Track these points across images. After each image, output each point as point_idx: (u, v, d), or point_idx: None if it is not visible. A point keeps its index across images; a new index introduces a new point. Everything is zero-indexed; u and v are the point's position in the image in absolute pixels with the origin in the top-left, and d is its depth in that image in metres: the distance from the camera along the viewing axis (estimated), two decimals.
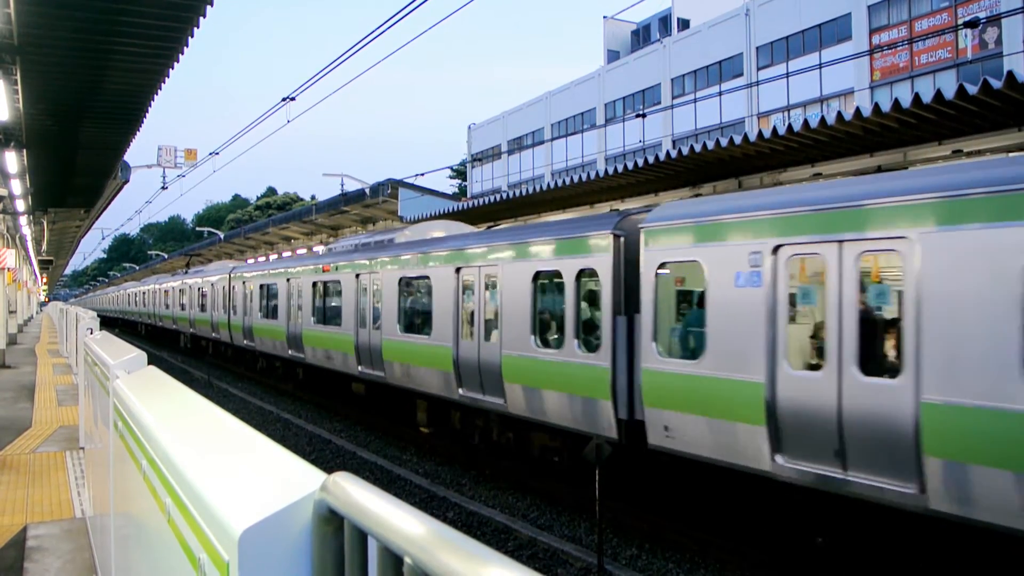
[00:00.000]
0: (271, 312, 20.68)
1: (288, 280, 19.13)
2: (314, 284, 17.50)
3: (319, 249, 34.61)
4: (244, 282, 23.27)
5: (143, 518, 2.52)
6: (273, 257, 37.43)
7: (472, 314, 11.67)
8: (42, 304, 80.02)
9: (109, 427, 3.98)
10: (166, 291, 37.38)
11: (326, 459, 12.64)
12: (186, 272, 36.45)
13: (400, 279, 13.61)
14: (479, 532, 8.88)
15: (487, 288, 11.28)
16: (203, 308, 28.88)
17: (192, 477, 1.69)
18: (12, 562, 5.53)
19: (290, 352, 18.93)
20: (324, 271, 16.97)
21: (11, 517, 6.70)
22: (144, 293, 45.45)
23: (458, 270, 11.84)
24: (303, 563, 1.33)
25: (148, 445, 2.39)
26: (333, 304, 16.82)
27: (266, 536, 1.30)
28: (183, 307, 32.93)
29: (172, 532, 1.84)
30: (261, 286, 21.53)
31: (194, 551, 1.59)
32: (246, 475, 1.65)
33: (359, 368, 15.03)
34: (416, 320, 13.57)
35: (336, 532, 1.30)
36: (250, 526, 1.29)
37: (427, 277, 12.69)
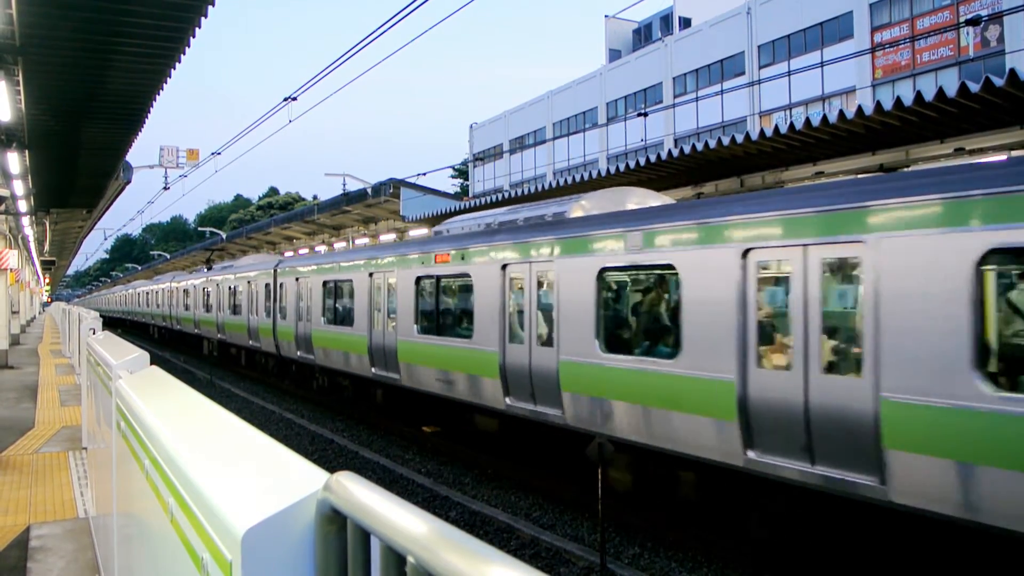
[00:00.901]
0: (343, 317, 16.23)
1: (371, 275, 14.68)
2: (418, 280, 13.00)
3: (362, 242, 30.59)
4: (298, 279, 18.51)
5: (146, 518, 2.52)
6: (339, 246, 32.32)
7: (780, 328, 7.07)
8: (44, 305, 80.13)
9: (112, 427, 3.98)
10: (186, 290, 32.35)
11: (328, 459, 12.65)
12: (209, 268, 32.15)
13: (601, 271, 9.00)
14: (481, 531, 8.88)
15: (831, 279, 6.68)
16: (236, 310, 24.15)
17: (195, 477, 1.69)
18: (15, 562, 5.54)
19: (374, 371, 14.42)
20: (438, 262, 12.44)
21: (14, 517, 6.71)
22: (158, 292, 40.13)
23: (746, 253, 7.16)
24: (306, 562, 1.33)
25: (151, 445, 2.40)
26: (454, 308, 12.78)
27: (269, 535, 1.30)
28: (208, 308, 27.92)
29: (175, 532, 1.84)
30: (326, 283, 16.95)
31: (197, 551, 1.59)
32: (249, 475, 1.65)
33: (507, 400, 10.59)
34: (633, 334, 9.24)
35: (339, 531, 1.30)
36: (253, 525, 1.29)
37: (670, 268, 8.10)
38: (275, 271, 20.40)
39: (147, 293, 44.54)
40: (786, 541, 7.80)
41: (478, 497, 10.30)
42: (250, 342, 22.60)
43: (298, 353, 18.48)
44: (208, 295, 28.06)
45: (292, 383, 20.61)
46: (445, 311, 12.92)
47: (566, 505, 9.76)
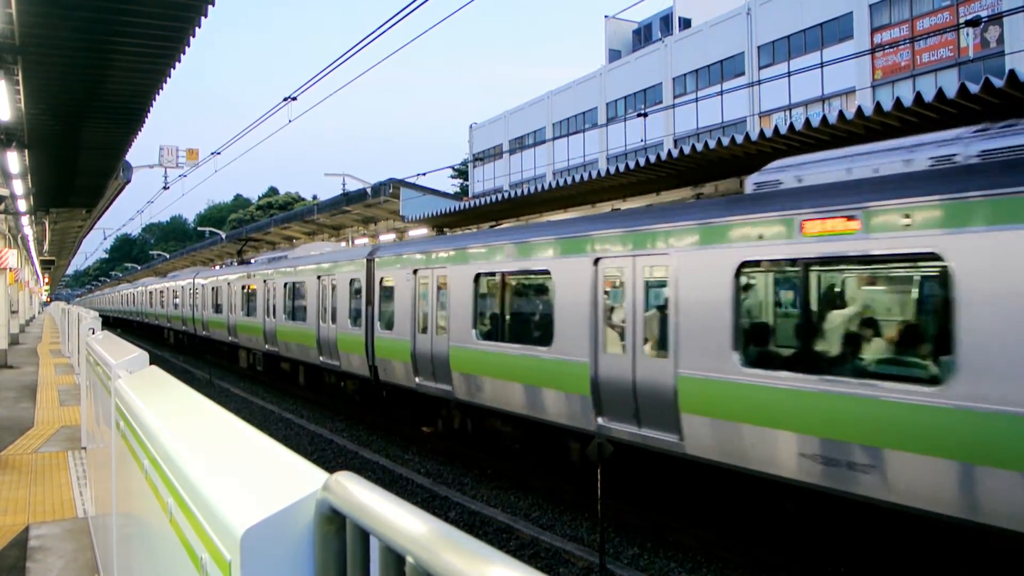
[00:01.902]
0: (523, 331, 10.97)
1: (599, 262, 9.08)
2: (742, 270, 7.42)
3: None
4: (419, 271, 13.09)
5: (145, 518, 2.52)
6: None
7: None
8: (44, 304, 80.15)
9: (111, 427, 3.98)
10: (216, 288, 26.67)
11: (328, 459, 12.65)
12: (243, 261, 27.59)
13: None
14: (481, 531, 8.88)
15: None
16: (296, 314, 18.61)
17: (194, 477, 1.69)
18: (14, 562, 5.54)
19: (603, 421, 8.90)
20: (813, 233, 6.76)
21: (13, 517, 6.71)
22: (177, 291, 33.93)
23: None
24: (305, 562, 1.33)
25: (150, 445, 2.39)
26: (874, 320, 6.88)
27: (268, 535, 1.30)
28: (250, 311, 22.33)
29: (174, 532, 1.84)
30: (483, 278, 11.45)
31: (196, 550, 1.59)
32: (248, 475, 1.65)
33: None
34: None
35: (338, 531, 1.30)
36: (252, 525, 1.28)
37: None
38: (370, 262, 14.91)
39: (162, 292, 38.38)
40: (786, 541, 7.81)
41: (477, 497, 10.30)
42: (320, 358, 16.93)
43: (417, 380, 12.96)
44: (250, 294, 22.34)
45: (389, 418, 15.06)
46: (840, 328, 6.96)
47: (566, 505, 9.76)
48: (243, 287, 23.20)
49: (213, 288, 27.07)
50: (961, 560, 6.41)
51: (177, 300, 33.83)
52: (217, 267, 33.89)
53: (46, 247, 38.34)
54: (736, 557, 7.78)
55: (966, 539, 6.16)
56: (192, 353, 32.64)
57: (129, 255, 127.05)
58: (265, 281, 20.93)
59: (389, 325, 14.02)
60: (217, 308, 26.42)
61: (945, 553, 6.51)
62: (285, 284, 19.28)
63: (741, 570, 7.57)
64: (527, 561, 7.78)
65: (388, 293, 14.20)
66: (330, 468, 1.34)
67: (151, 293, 42.64)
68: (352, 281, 15.56)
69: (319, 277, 17.16)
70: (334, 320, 16.24)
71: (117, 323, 52.96)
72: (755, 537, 8.07)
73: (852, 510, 6.81)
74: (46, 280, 57.55)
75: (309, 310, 17.59)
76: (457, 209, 20.03)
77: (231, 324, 24.39)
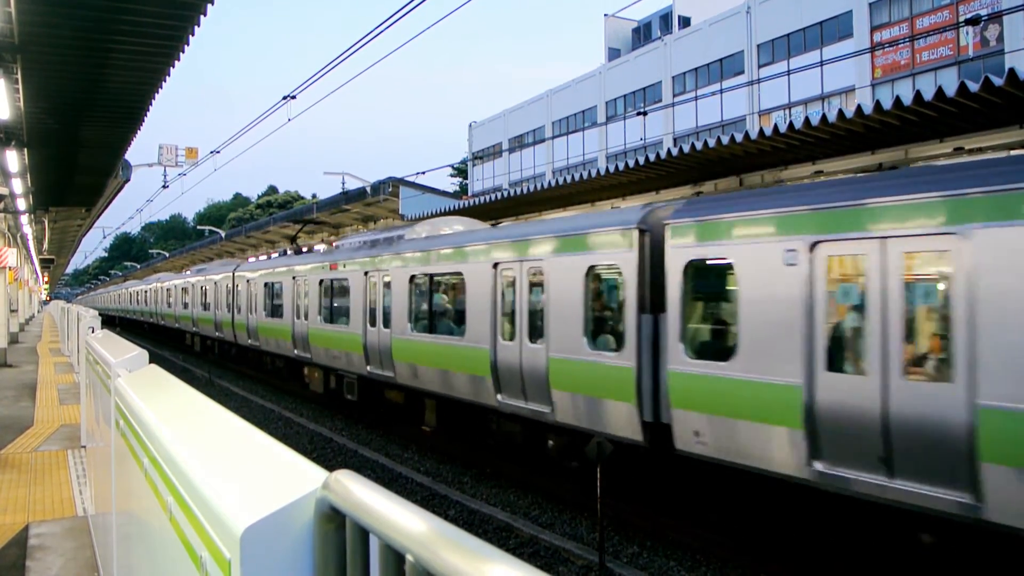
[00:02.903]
0: None
1: None
2: None
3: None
4: (815, 245, 6.62)
5: (145, 516, 2.52)
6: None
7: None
8: (43, 303, 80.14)
9: (111, 425, 3.98)
10: (271, 284, 20.25)
11: (327, 457, 12.66)
12: (298, 250, 22.41)
13: None
14: (480, 530, 8.88)
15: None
16: (434, 327, 12.81)
17: (194, 475, 1.69)
18: (14, 560, 5.54)
19: None
20: None
21: (13, 516, 6.71)
22: (207, 288, 27.52)
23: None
24: (305, 561, 1.33)
25: (150, 443, 2.40)
26: None
27: (268, 534, 1.30)
28: (334, 319, 16.30)
29: (174, 530, 1.84)
30: None
31: (196, 549, 1.59)
32: (248, 473, 1.65)
33: None
34: None
35: (338, 530, 1.30)
36: (252, 524, 1.29)
37: None
38: (646, 235, 8.61)
39: (185, 289, 31.74)
40: (785, 540, 7.81)
41: (477, 496, 10.30)
42: (499, 397, 10.70)
43: (819, 466, 6.60)
44: (335, 293, 16.42)
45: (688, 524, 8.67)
46: None
47: (565, 504, 9.76)
48: (322, 282, 16.89)
49: (267, 284, 20.44)
50: (960, 560, 6.42)
51: (208, 300, 27.39)
52: (255, 257, 27.61)
53: (45, 246, 38.32)
54: (736, 557, 7.79)
55: (965, 539, 6.17)
56: (193, 353, 32.61)
57: (128, 254, 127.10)
58: (367, 274, 14.78)
59: (712, 350, 7.88)
60: (274, 311, 19.96)
61: (944, 553, 6.52)
62: (412, 278, 13.16)
63: (741, 570, 7.58)
64: (526, 559, 7.78)
65: (705, 288, 8.24)
66: (330, 467, 1.34)
67: (170, 291, 35.39)
68: (592, 271, 9.30)
69: (495, 265, 10.96)
70: (536, 337, 10.12)
71: (123, 324, 52.04)
72: (755, 537, 8.08)
73: (850, 510, 6.82)
74: (45, 279, 57.52)
75: (471, 319, 11.38)
76: (457, 208, 20.03)
77: (299, 334, 17.90)
